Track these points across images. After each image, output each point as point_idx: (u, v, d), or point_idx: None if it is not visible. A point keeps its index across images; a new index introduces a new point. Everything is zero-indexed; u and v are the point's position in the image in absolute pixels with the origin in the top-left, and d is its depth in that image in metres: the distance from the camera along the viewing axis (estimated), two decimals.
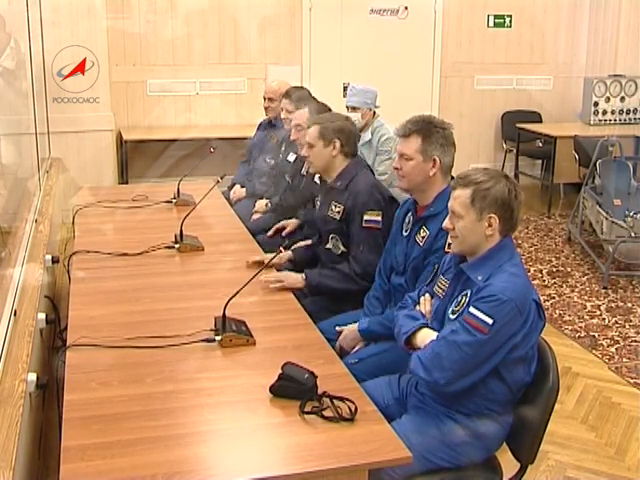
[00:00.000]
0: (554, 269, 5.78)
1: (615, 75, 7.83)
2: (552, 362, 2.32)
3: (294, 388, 2.19)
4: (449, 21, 7.91)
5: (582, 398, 3.85)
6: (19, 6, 4.91)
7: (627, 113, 7.86)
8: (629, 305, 5.05)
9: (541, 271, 5.73)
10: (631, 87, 7.82)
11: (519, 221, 2.40)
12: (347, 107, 4.99)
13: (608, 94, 7.77)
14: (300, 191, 4.16)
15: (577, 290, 5.34)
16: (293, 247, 3.61)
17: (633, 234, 5.38)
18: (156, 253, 3.51)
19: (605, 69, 8.01)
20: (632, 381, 4.03)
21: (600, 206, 5.75)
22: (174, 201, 4.40)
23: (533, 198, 7.94)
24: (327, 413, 2.11)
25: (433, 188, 2.86)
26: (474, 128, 8.21)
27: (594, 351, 4.38)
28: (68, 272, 3.38)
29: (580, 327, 4.71)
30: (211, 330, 2.60)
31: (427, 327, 2.43)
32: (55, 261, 3.88)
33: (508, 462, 2.39)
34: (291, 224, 4.14)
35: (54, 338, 3.54)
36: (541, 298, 2.36)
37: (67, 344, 2.54)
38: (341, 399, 2.16)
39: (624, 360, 4.27)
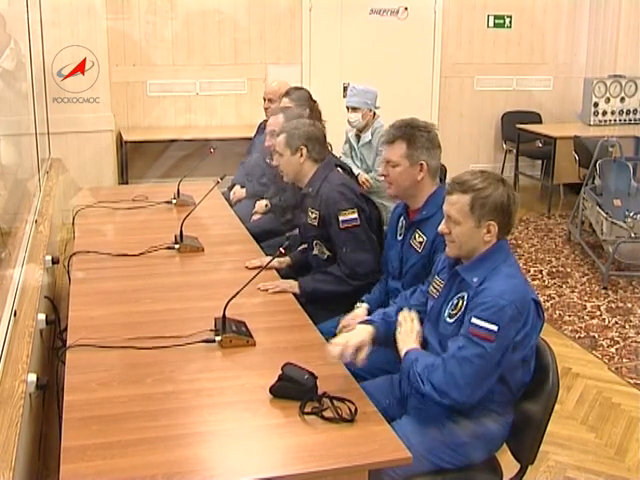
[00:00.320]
0: (554, 269, 5.78)
1: (615, 75, 7.83)
2: (552, 362, 2.32)
3: (294, 389, 2.19)
4: (449, 21, 7.91)
5: (582, 399, 3.85)
6: (19, 6, 4.91)
7: (627, 114, 7.86)
8: (629, 305, 5.05)
9: (541, 271, 5.72)
10: (631, 88, 7.81)
11: (515, 224, 2.40)
12: (347, 107, 4.99)
13: (608, 94, 7.77)
14: (300, 191, 4.16)
15: (577, 290, 5.34)
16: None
17: (633, 234, 5.38)
18: (156, 254, 3.51)
19: (605, 69, 8.01)
20: (632, 382, 4.03)
21: (600, 207, 5.75)
22: (174, 202, 4.40)
23: (533, 198, 7.94)
24: (327, 414, 2.11)
25: (423, 192, 2.86)
26: (474, 128, 8.21)
27: (594, 352, 4.38)
28: (68, 273, 3.38)
29: (580, 327, 4.71)
30: (211, 331, 2.60)
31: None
32: (55, 262, 3.88)
33: (508, 463, 2.39)
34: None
35: (54, 339, 3.54)
36: (541, 298, 2.36)
37: (67, 345, 2.54)
38: (341, 400, 2.16)
39: (624, 360, 4.27)
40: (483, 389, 2.22)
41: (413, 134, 2.82)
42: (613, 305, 5.06)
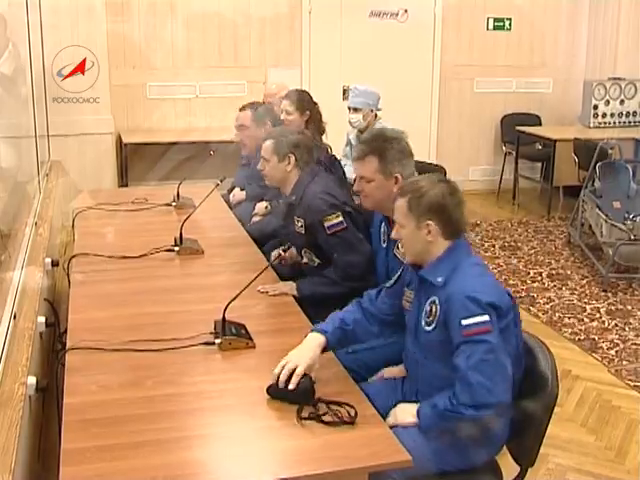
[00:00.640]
0: (554, 272, 5.78)
1: (615, 78, 7.83)
2: (551, 365, 2.32)
3: (289, 391, 2.19)
4: (449, 24, 7.92)
5: (582, 401, 3.85)
6: (19, 8, 4.91)
7: (627, 116, 7.86)
8: (629, 308, 5.05)
9: (541, 274, 5.73)
10: (630, 90, 7.81)
11: (464, 223, 2.38)
12: (349, 108, 4.99)
13: (608, 97, 7.77)
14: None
15: (577, 293, 5.33)
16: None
17: (633, 237, 5.38)
18: (156, 256, 3.51)
19: (605, 72, 8.01)
20: (632, 384, 4.03)
21: (600, 209, 5.75)
22: (174, 204, 4.40)
23: (533, 201, 7.95)
24: (327, 418, 2.10)
25: None
26: (474, 131, 8.21)
27: (594, 354, 4.38)
28: (68, 275, 3.38)
29: (580, 330, 4.71)
30: (211, 333, 2.60)
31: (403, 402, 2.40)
32: (55, 264, 3.88)
33: (508, 465, 2.39)
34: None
35: (54, 341, 3.53)
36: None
37: (67, 347, 2.54)
38: (337, 403, 2.15)
39: (624, 363, 4.27)
40: (509, 380, 2.19)
41: (384, 147, 2.81)
42: (613, 307, 5.06)
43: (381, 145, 2.82)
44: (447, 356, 2.23)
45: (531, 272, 5.76)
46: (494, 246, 6.42)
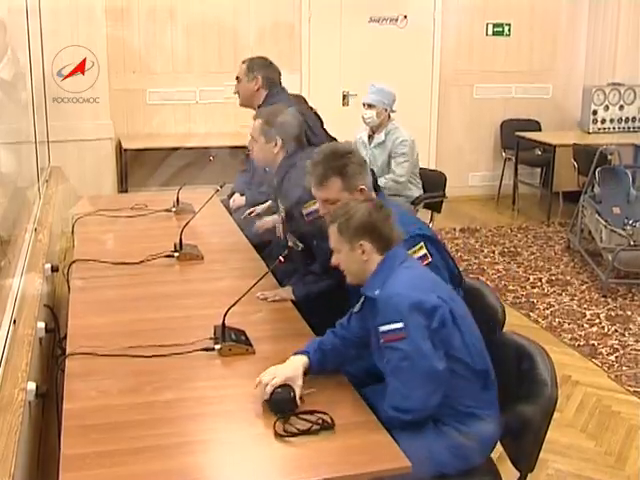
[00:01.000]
0: (553, 277, 5.78)
1: (614, 83, 7.85)
2: (551, 370, 2.32)
3: (268, 401, 2.19)
4: (448, 30, 7.92)
5: (582, 406, 3.84)
6: (19, 12, 4.91)
7: (626, 121, 7.87)
8: (629, 313, 5.04)
9: (540, 279, 5.73)
10: (630, 95, 7.82)
11: (395, 236, 2.40)
12: (364, 104, 4.99)
13: (607, 102, 7.78)
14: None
15: (576, 298, 5.33)
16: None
17: (632, 242, 5.38)
18: (155, 262, 3.51)
19: (604, 77, 8.02)
20: (632, 389, 4.02)
21: (599, 214, 5.76)
22: (174, 210, 4.40)
23: (532, 206, 7.95)
24: (301, 426, 2.08)
25: None
26: (473, 136, 8.21)
27: (593, 359, 4.38)
28: (67, 281, 3.38)
29: (579, 335, 4.71)
30: (210, 339, 2.61)
31: None
32: (55, 270, 3.88)
33: (508, 471, 2.39)
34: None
35: (54, 347, 3.53)
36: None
37: (66, 353, 2.54)
38: (310, 413, 2.14)
39: (624, 368, 4.27)
40: (431, 386, 2.21)
41: (343, 164, 2.76)
42: (613, 313, 5.06)
43: (340, 163, 2.77)
44: None
45: (531, 278, 5.76)
46: (494, 252, 6.41)
